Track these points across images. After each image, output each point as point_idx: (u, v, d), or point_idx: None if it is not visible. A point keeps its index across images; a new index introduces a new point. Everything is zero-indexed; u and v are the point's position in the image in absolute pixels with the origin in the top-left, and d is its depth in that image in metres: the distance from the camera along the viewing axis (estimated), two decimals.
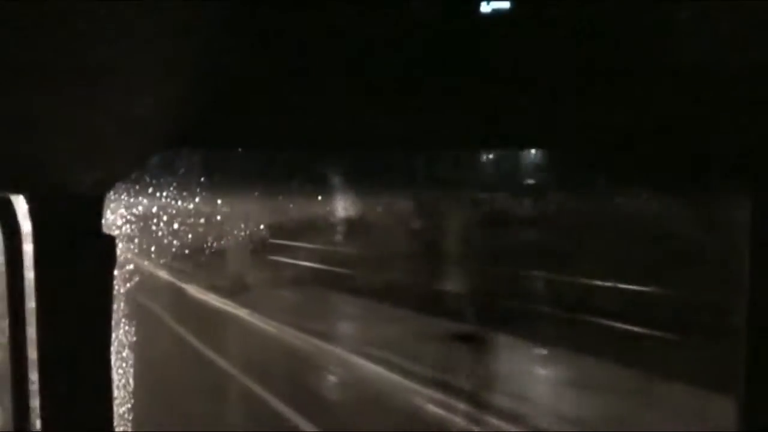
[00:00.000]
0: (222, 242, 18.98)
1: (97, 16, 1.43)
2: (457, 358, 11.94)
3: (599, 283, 13.63)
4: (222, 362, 13.13)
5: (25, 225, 2.06)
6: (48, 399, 2.14)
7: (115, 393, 2.41)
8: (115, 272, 2.24)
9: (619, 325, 12.52)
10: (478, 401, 10.82)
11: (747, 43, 2.09)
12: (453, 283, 15.28)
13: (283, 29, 2.26)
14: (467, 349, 12.10)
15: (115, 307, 2.21)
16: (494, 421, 10.36)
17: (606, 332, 12.51)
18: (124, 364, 8.47)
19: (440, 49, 2.39)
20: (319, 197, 18.65)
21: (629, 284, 13.09)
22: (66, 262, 2.16)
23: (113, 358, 2.23)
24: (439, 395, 11.11)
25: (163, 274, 20.87)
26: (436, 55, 2.39)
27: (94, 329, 2.24)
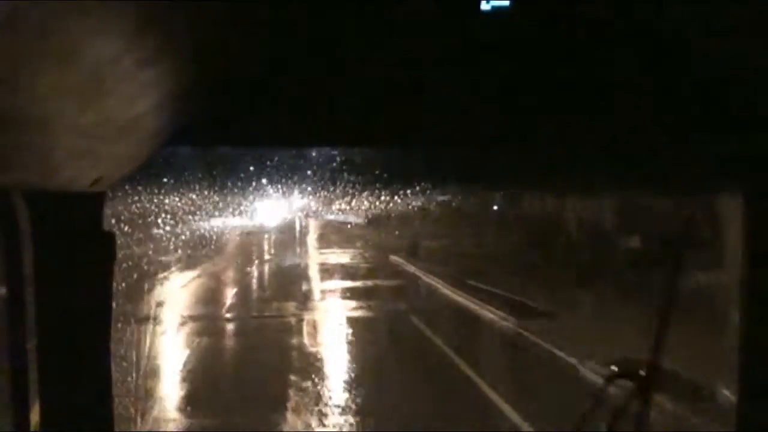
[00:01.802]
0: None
1: (97, 17, 1.43)
2: None
3: None
4: None
5: (25, 223, 2.05)
6: (48, 399, 2.13)
7: None
8: None
9: None
10: None
11: (744, 49, 2.09)
12: None
13: (286, 29, 2.27)
14: None
15: None
16: None
17: None
18: None
19: (444, 48, 2.39)
20: None
21: None
22: (65, 260, 2.15)
23: None
24: None
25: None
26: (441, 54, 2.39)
27: (93, 327, 2.24)
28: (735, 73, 2.23)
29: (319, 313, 14.16)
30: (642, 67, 2.37)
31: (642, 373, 2.29)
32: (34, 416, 2.09)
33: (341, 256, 21.65)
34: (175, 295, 15.27)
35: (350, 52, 2.37)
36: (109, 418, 2.30)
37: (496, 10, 2.25)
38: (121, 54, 1.63)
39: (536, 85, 2.42)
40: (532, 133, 2.55)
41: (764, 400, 2.50)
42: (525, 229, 14.16)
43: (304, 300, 15.33)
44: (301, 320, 13.03)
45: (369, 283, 17.38)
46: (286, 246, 23.35)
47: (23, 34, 1.28)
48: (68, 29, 1.39)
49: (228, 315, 14.21)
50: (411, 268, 18.93)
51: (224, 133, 2.54)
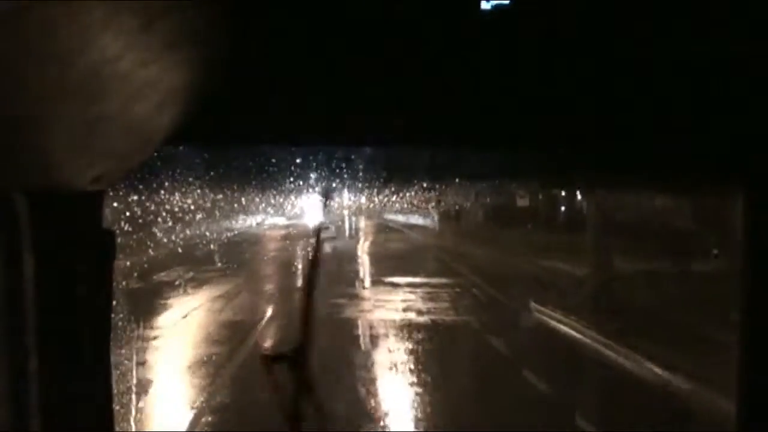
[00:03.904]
0: None
1: (96, 16, 1.43)
2: None
3: None
4: None
5: (25, 222, 2.05)
6: (48, 399, 2.13)
7: None
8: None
9: None
10: None
11: (746, 42, 2.09)
12: None
13: (284, 29, 2.27)
14: None
15: None
16: None
17: None
18: None
19: (433, 47, 2.40)
20: None
21: None
22: (65, 259, 2.15)
23: None
24: None
25: None
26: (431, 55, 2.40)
27: (93, 327, 2.24)
28: (736, 68, 2.23)
29: None
30: (642, 65, 2.37)
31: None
32: (34, 416, 2.09)
33: (426, 303, 12.19)
34: None
35: (349, 52, 2.37)
36: (109, 418, 2.30)
37: (496, 10, 2.26)
38: (122, 53, 1.63)
39: (536, 85, 2.43)
40: (532, 133, 2.56)
41: (765, 401, 2.50)
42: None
43: None
44: None
45: None
46: (329, 266, 14.90)
47: (24, 34, 1.29)
48: (69, 29, 1.39)
49: None
50: (631, 366, 8.08)
51: (224, 133, 2.54)
